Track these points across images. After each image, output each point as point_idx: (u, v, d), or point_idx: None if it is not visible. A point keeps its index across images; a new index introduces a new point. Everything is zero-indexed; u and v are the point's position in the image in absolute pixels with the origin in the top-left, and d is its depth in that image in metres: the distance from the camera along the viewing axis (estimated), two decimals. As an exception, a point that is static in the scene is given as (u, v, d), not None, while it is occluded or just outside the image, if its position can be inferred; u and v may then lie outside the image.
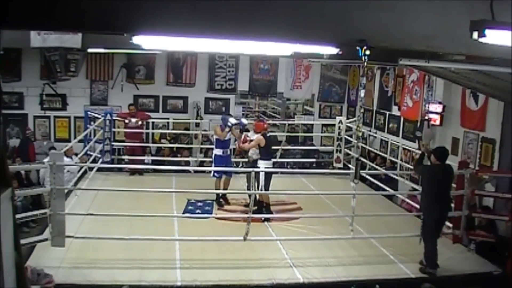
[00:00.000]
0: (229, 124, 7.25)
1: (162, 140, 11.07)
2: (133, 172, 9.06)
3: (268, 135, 7.09)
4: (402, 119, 9.91)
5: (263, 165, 6.83)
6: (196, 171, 9.47)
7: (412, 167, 8.40)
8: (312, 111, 12.92)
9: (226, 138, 7.42)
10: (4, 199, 1.87)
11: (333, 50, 4.18)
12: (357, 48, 3.62)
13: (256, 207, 6.32)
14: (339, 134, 9.46)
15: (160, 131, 11.15)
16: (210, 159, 10.08)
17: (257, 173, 6.34)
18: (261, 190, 6.53)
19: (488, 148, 7.33)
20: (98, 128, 9.24)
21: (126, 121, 9.38)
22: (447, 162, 5.63)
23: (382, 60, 6.32)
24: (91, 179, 8.19)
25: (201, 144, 10.28)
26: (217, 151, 7.45)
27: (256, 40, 3.83)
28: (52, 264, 4.93)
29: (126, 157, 9.75)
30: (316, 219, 6.59)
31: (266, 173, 6.61)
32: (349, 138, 9.45)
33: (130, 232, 5.65)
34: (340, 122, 9.50)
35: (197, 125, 10.97)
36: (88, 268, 5.03)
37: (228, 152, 7.57)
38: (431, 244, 5.43)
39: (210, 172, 7.86)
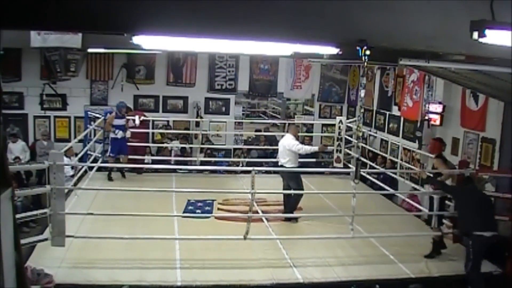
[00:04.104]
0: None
1: (171, 141, 10.98)
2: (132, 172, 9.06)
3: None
4: (402, 119, 9.90)
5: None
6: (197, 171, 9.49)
7: (411, 166, 8.46)
8: (312, 111, 12.91)
9: (119, 124, 8.70)
10: (4, 199, 1.88)
11: (333, 50, 4.19)
12: (357, 48, 3.61)
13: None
14: (339, 134, 9.45)
15: (161, 131, 11.14)
16: (210, 159, 10.17)
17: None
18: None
19: (488, 148, 7.32)
20: (98, 128, 9.25)
21: (131, 120, 9.35)
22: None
23: (382, 60, 6.32)
24: (91, 179, 8.20)
25: (201, 144, 10.28)
26: (112, 135, 8.69)
27: (256, 40, 3.83)
28: (52, 264, 4.93)
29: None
30: (316, 219, 6.60)
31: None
32: (349, 138, 9.45)
33: (130, 232, 5.65)
34: (340, 122, 9.50)
35: (197, 125, 10.97)
36: (88, 268, 5.04)
37: (123, 135, 8.71)
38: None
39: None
